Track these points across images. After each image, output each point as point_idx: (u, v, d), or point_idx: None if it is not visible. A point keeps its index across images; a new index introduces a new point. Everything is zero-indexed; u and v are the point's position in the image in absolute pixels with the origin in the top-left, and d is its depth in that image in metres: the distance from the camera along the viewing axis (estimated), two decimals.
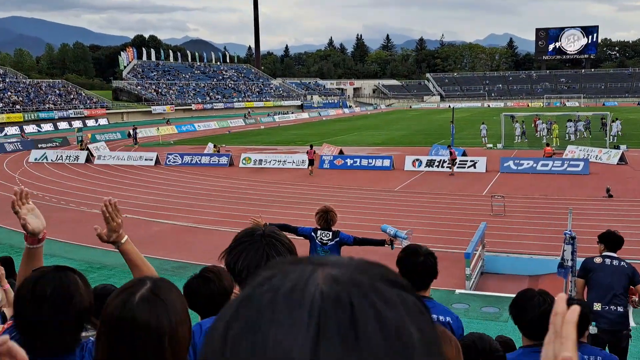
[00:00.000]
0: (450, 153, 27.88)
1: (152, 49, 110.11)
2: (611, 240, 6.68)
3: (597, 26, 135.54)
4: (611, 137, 37.98)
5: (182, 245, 15.64)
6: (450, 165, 27.69)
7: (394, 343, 0.51)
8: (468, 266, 11.55)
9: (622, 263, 6.59)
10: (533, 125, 46.50)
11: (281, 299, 0.54)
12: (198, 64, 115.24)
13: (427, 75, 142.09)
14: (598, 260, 6.63)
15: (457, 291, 11.39)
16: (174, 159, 33.00)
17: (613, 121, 39.19)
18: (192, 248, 15.30)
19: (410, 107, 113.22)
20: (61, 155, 35.17)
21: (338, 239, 7.70)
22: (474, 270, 12.12)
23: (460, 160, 28.95)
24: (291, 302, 0.53)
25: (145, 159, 33.39)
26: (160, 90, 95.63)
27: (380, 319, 0.52)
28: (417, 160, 29.54)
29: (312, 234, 7.77)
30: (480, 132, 41.14)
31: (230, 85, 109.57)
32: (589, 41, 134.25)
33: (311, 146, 29.80)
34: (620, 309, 6.42)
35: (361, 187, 24.42)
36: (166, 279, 1.83)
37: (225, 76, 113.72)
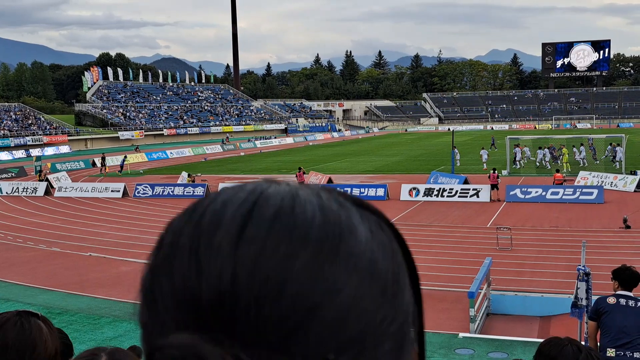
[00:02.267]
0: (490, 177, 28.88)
1: (119, 68, 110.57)
2: (626, 278, 6.65)
3: (609, 40, 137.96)
4: (616, 163, 38.57)
5: None
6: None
7: (333, 229, 0.56)
8: (472, 307, 11.57)
9: (639, 303, 6.62)
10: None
11: (229, 190, 0.61)
12: (170, 84, 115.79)
13: (424, 95, 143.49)
14: (612, 300, 6.62)
15: (461, 335, 11.40)
16: (143, 190, 32.94)
17: (618, 144, 39.83)
18: None
19: (406, 130, 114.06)
20: (17, 187, 35.00)
21: None
22: (478, 311, 12.14)
23: (461, 189, 29.16)
24: (238, 188, 0.61)
25: (112, 190, 33.31)
26: (128, 113, 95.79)
27: (322, 206, 0.58)
28: (415, 189, 29.70)
29: None
30: (481, 158, 41.58)
31: (206, 107, 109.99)
32: (601, 57, 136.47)
33: (300, 168, 32.88)
34: (637, 354, 6.39)
35: None
36: (122, 349, 1.81)
37: (200, 98, 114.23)
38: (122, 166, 47.01)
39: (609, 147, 41.40)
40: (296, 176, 33.07)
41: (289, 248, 0.54)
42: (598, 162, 41.95)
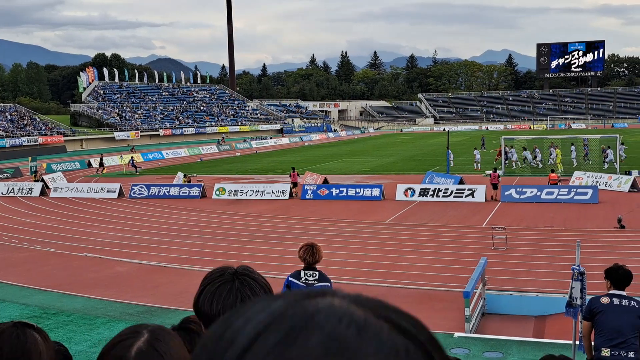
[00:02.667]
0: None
1: (114, 69, 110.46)
2: (618, 277, 6.66)
3: (604, 41, 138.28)
4: (606, 164, 38.74)
5: (149, 287, 15.54)
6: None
7: (382, 350, 0.58)
8: (467, 306, 11.59)
9: (633, 302, 6.58)
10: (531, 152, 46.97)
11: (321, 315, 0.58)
12: (166, 84, 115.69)
13: (419, 95, 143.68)
14: (605, 300, 6.63)
15: (456, 334, 11.42)
16: (139, 190, 32.91)
17: (608, 147, 40.05)
18: (161, 290, 15.21)
19: (401, 130, 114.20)
20: (13, 188, 34.93)
21: (327, 283, 7.57)
22: (474, 310, 12.17)
23: (457, 189, 29.20)
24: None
25: (108, 191, 33.26)
26: (124, 114, 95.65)
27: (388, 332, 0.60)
28: (410, 189, 29.73)
29: (292, 279, 7.60)
30: (474, 157, 41.76)
31: (202, 108, 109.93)
32: (595, 57, 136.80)
33: (293, 169, 33.15)
34: (631, 354, 6.40)
35: (349, 220, 24.50)
36: (165, 327, 1.80)
37: (196, 98, 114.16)
38: (134, 165, 47.40)
39: (608, 150, 41.24)
40: (290, 176, 33.34)
41: None
42: (590, 162, 42.00)
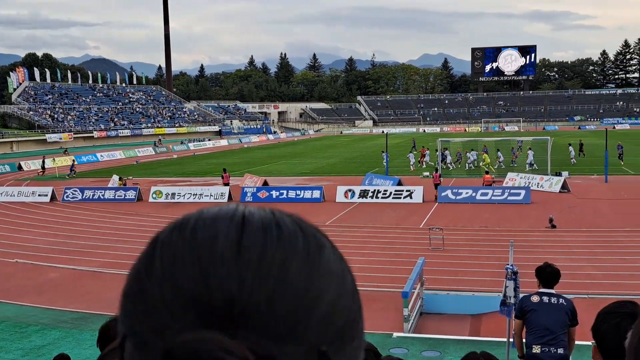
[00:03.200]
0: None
1: (46, 69, 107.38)
2: (547, 276, 6.85)
3: (535, 46, 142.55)
4: (527, 165, 40.04)
5: (84, 293, 15.17)
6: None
7: (310, 238, 0.67)
8: (406, 306, 11.74)
9: (561, 300, 6.78)
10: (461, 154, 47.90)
11: (209, 208, 0.69)
12: (100, 85, 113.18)
13: (359, 98, 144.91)
14: (535, 298, 6.82)
15: (395, 334, 11.56)
16: (72, 194, 32.09)
17: (520, 148, 41.51)
18: (97, 296, 14.87)
19: (341, 132, 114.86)
20: None
21: None
22: (412, 310, 12.34)
23: (395, 191, 29.58)
24: (218, 208, 0.68)
25: (39, 195, 32.30)
26: (56, 115, 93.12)
27: (297, 222, 0.68)
28: (350, 190, 29.95)
29: None
30: (410, 160, 42.68)
31: (137, 109, 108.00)
32: (527, 61, 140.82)
33: (225, 170, 34.43)
34: (560, 350, 6.61)
35: None
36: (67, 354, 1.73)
37: (132, 99, 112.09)
38: (72, 169, 46.04)
39: (529, 151, 42.45)
40: (222, 177, 33.81)
41: (283, 255, 0.63)
42: (515, 165, 43.04)
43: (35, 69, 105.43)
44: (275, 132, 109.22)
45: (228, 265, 0.61)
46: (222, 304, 0.60)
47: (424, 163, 43.26)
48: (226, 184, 32.73)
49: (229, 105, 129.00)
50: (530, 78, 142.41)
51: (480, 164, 40.81)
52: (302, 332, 0.62)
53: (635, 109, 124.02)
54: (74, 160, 48.71)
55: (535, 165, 40.12)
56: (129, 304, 0.65)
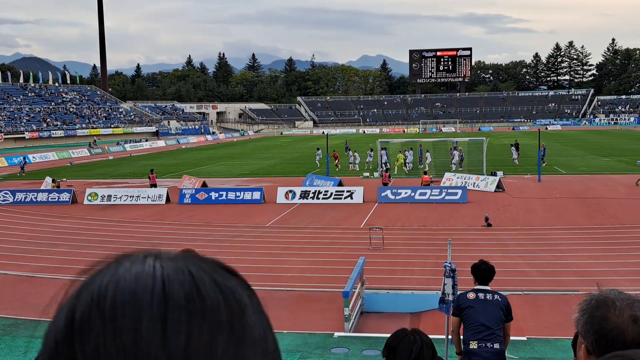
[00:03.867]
0: None
1: None
2: (482, 273, 7.05)
3: (471, 48, 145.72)
4: (453, 165, 40.93)
5: (16, 299, 14.71)
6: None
7: (232, 302, 0.65)
8: (347, 306, 11.82)
9: (496, 296, 6.98)
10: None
11: (121, 275, 0.64)
12: (32, 85, 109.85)
13: (298, 98, 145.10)
14: (471, 295, 7.00)
15: (336, 334, 11.62)
16: (3, 196, 31.07)
17: (455, 148, 42.40)
18: (29, 301, 14.44)
19: (281, 133, 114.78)
20: None
21: None
22: (353, 310, 12.42)
23: (336, 191, 29.74)
24: (134, 272, 0.64)
25: None
26: None
27: (217, 283, 0.65)
28: (291, 191, 29.95)
29: None
30: (349, 159, 43.15)
31: (71, 109, 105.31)
32: (463, 64, 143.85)
33: (152, 170, 34.83)
34: (496, 345, 6.80)
35: (229, 224, 24.32)
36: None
37: (65, 99, 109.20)
38: (22, 167, 46.70)
39: (454, 151, 42.98)
40: (149, 178, 34.09)
41: (209, 335, 0.61)
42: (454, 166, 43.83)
43: None
44: (214, 133, 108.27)
45: (155, 355, 0.58)
46: None
47: (338, 166, 43.03)
48: (153, 185, 33.15)
49: (166, 106, 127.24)
50: (466, 80, 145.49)
51: (395, 163, 41.32)
52: None
53: (566, 111, 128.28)
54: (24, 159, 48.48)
55: (459, 165, 40.84)
56: None
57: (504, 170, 38.10)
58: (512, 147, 44.17)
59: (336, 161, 43.05)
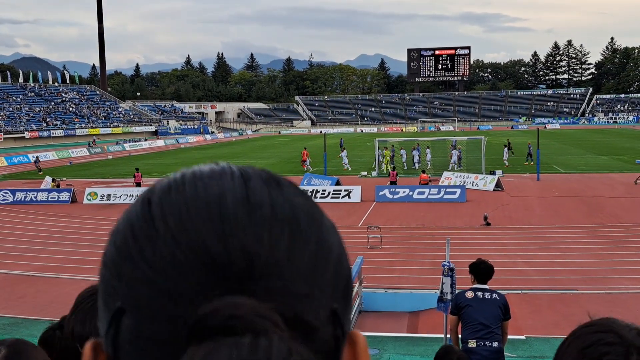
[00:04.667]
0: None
1: None
2: (480, 271, 7.05)
3: (469, 47, 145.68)
4: (452, 164, 41.00)
5: (16, 298, 14.71)
6: None
7: (305, 195, 0.65)
8: None
9: (495, 295, 7.00)
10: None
11: (196, 168, 0.65)
12: (32, 85, 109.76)
13: (296, 98, 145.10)
14: (470, 294, 7.01)
15: None
16: (3, 196, 31.05)
17: (455, 147, 42.42)
18: (29, 301, 14.44)
19: (280, 132, 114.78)
20: None
21: None
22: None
23: (334, 190, 29.75)
24: (210, 165, 0.65)
25: None
26: None
27: (290, 183, 0.65)
28: None
29: None
30: (342, 160, 43.07)
31: (71, 109, 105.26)
32: (462, 62, 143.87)
33: (137, 169, 35.64)
34: (495, 344, 6.82)
35: None
36: (26, 340, 1.70)
37: (65, 99, 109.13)
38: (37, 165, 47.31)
39: (454, 150, 42.94)
40: (134, 177, 34.65)
41: (291, 210, 0.61)
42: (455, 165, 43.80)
43: None
44: (212, 133, 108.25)
45: (243, 223, 0.57)
46: (243, 264, 0.56)
47: (307, 167, 42.86)
48: (137, 184, 33.49)
49: (165, 105, 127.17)
50: (465, 79, 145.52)
51: (381, 159, 41.23)
52: (320, 290, 0.59)
53: (565, 109, 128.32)
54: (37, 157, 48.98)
55: (458, 164, 40.86)
56: (126, 270, 0.58)
57: (502, 169, 38.12)
58: (505, 148, 43.95)
59: (302, 164, 42.82)
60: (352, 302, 0.66)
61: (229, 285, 0.55)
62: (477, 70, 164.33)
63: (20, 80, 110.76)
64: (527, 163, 41.95)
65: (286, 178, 0.66)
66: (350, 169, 42.14)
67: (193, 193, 0.59)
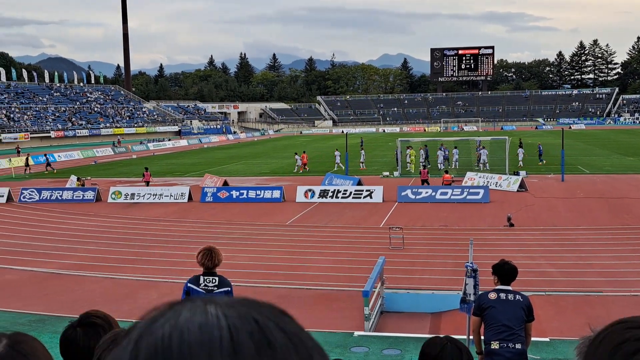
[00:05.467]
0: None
1: (1, 68, 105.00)
2: (504, 272, 7.00)
3: (493, 46, 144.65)
4: (480, 165, 40.73)
5: (42, 295, 14.90)
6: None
7: (300, 349, 0.62)
8: (367, 305, 11.81)
9: (518, 297, 6.95)
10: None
11: (183, 324, 0.61)
12: (58, 84, 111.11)
13: (318, 98, 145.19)
14: (492, 295, 6.96)
15: (356, 333, 11.61)
16: (30, 194, 31.47)
17: (483, 147, 42.28)
18: (55, 298, 14.63)
19: (301, 132, 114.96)
20: None
21: (228, 288, 7.44)
22: (373, 309, 12.41)
23: (355, 190, 29.71)
24: (198, 322, 0.61)
25: None
26: (12, 115, 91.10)
27: (282, 328, 0.62)
28: (310, 190, 29.98)
29: (191, 285, 7.43)
30: (360, 157, 43.41)
31: (96, 109, 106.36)
32: (485, 62, 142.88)
33: (146, 169, 36.03)
34: (518, 345, 6.77)
35: (249, 222, 24.42)
36: (25, 333, 1.73)
37: (90, 99, 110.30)
38: (49, 164, 47.75)
39: (482, 150, 42.76)
40: (143, 175, 35.15)
41: None
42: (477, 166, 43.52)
43: None
44: (235, 132, 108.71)
45: None
46: None
47: (302, 168, 42.82)
48: (147, 182, 34.48)
49: (188, 105, 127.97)
50: (488, 79, 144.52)
51: (407, 160, 41.18)
52: None
53: (590, 110, 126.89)
54: (46, 157, 49.17)
55: (487, 165, 40.63)
56: None
57: (526, 169, 37.80)
58: (520, 148, 43.42)
59: (302, 166, 42.83)
60: None
61: None
62: (501, 70, 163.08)
63: (47, 80, 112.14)
64: (540, 164, 41.61)
65: (280, 323, 0.63)
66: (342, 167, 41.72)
67: None
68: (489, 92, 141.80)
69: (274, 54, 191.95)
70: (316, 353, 0.64)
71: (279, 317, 0.64)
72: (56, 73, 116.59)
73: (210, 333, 0.59)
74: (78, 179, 34.74)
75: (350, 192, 29.67)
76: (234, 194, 30.66)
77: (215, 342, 0.58)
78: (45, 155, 51.68)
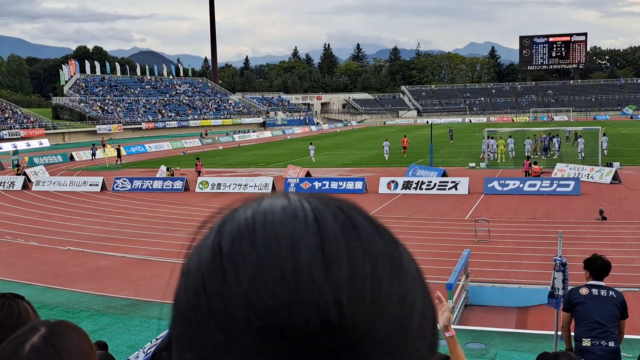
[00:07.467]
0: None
1: (96, 62, 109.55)
2: (596, 267, 6.74)
3: (586, 33, 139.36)
4: (580, 155, 39.26)
5: (132, 280, 15.50)
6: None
7: (385, 234, 0.60)
8: (451, 298, 11.68)
9: (611, 292, 6.67)
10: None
11: (267, 207, 0.60)
12: (148, 77, 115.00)
13: (402, 88, 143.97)
14: (584, 291, 6.70)
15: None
16: (122, 184, 32.75)
17: (580, 136, 40.78)
18: (145, 283, 15.18)
19: (384, 123, 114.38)
20: None
21: None
22: (457, 302, 12.27)
23: (440, 182, 29.34)
24: (281, 205, 0.60)
25: (90, 185, 33.05)
26: (106, 107, 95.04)
27: (365, 216, 0.61)
28: (393, 182, 29.82)
29: None
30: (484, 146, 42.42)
31: (184, 101, 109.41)
32: (577, 50, 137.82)
33: (198, 158, 37.58)
34: (611, 343, 6.49)
35: None
36: (67, 321, 1.75)
37: (178, 91, 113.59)
38: (94, 154, 50.78)
39: (579, 139, 41.45)
40: (195, 165, 36.20)
41: (371, 266, 0.56)
42: (538, 155, 41.96)
43: (86, 61, 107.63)
44: (318, 124, 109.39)
45: (319, 284, 0.53)
46: (320, 330, 0.52)
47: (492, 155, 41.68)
48: (198, 172, 35.55)
49: (272, 97, 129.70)
50: (581, 67, 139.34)
51: (495, 148, 40.35)
52: (402, 351, 0.56)
53: None
54: (118, 150, 50.43)
55: (582, 154, 39.29)
56: (196, 329, 0.56)
57: (620, 161, 36.29)
58: (580, 138, 41.55)
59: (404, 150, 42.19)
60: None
61: (306, 354, 0.52)
62: (594, 58, 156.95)
63: (138, 73, 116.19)
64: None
65: (362, 211, 0.61)
66: (496, 158, 40.64)
67: (265, 246, 0.56)
68: (581, 81, 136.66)
69: (358, 44, 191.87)
70: (400, 244, 0.62)
71: (361, 209, 0.62)
72: (147, 66, 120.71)
73: (294, 214, 0.58)
74: (168, 169, 35.88)
75: (435, 184, 29.32)
76: (317, 184, 30.87)
77: (300, 221, 0.57)
78: (118, 146, 52.46)
